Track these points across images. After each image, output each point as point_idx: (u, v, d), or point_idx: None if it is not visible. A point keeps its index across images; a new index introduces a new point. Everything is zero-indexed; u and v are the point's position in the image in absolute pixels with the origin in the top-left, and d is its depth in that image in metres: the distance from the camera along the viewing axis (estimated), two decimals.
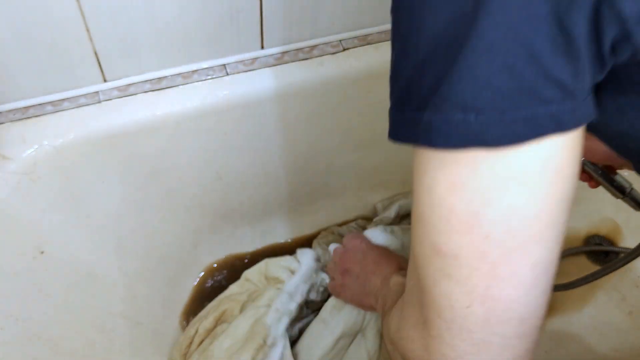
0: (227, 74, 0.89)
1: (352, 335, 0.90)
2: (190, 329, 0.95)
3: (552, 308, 1.12)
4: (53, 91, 0.84)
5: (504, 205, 0.35)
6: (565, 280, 0.77)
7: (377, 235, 0.93)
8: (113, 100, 0.85)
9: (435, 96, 0.34)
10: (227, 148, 0.94)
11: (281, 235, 1.16)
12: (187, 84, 0.88)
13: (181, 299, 1.06)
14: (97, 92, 0.85)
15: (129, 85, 0.86)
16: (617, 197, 0.72)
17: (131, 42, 0.82)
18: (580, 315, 1.11)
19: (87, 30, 0.78)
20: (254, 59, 0.91)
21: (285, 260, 1.00)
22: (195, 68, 0.89)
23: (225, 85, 0.88)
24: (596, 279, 0.73)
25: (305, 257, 0.98)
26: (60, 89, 0.84)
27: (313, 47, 0.93)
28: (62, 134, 0.82)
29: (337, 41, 0.94)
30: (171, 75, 0.88)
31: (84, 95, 0.85)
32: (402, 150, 1.06)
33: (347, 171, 1.11)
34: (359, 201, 1.18)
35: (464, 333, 0.39)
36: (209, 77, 0.89)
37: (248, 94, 0.89)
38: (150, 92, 0.86)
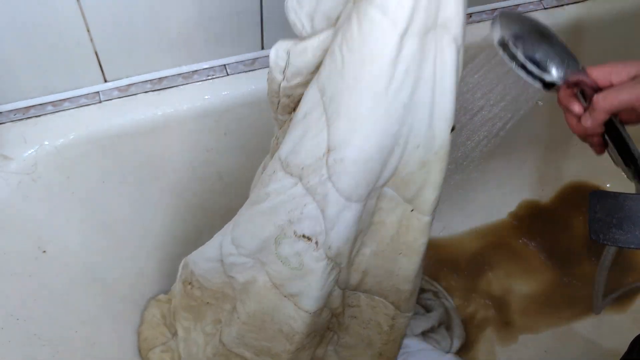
0: (228, 74, 0.90)
1: None
2: None
3: (554, 307, 1.12)
4: (54, 91, 0.84)
5: None
6: None
7: None
8: (114, 100, 0.85)
9: None
10: (227, 148, 0.95)
11: None
12: (188, 84, 0.88)
13: None
14: (97, 92, 0.85)
15: (130, 85, 0.86)
16: (620, 166, 0.58)
17: (132, 43, 0.82)
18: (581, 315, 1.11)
19: (88, 30, 0.78)
20: (254, 60, 0.91)
21: None
22: (195, 68, 0.89)
23: (226, 85, 0.89)
24: None
25: None
26: (61, 89, 0.84)
27: None
28: (62, 134, 0.82)
29: None
30: (172, 76, 0.88)
31: (85, 96, 0.85)
32: None
33: None
34: None
35: None
36: (210, 77, 0.89)
37: (248, 94, 0.89)
38: (151, 92, 0.87)
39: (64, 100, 0.84)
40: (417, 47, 0.49)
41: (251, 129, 0.94)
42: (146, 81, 0.87)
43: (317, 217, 0.59)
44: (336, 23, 0.54)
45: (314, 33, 0.57)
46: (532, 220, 1.23)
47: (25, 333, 0.78)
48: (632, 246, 0.50)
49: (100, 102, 0.85)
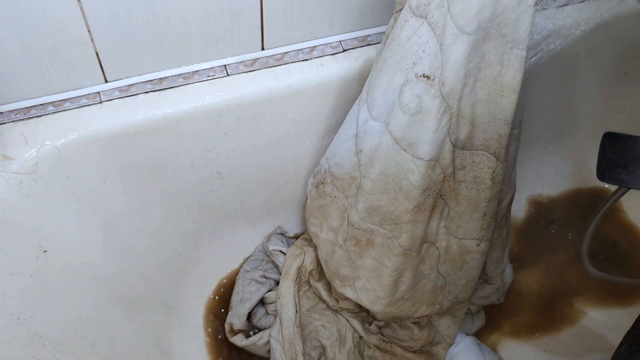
0: (228, 75, 0.90)
1: None
2: None
3: (554, 307, 1.12)
4: (54, 91, 0.84)
5: None
6: None
7: None
8: (114, 100, 0.85)
9: None
10: (227, 148, 0.95)
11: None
12: (188, 84, 0.88)
13: (182, 298, 1.06)
14: (98, 93, 0.86)
15: (130, 85, 0.87)
16: None
17: (132, 43, 0.82)
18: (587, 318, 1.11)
19: (89, 31, 0.78)
20: (255, 60, 0.92)
21: None
22: (196, 69, 0.90)
23: (226, 85, 0.89)
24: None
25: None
26: (62, 90, 0.84)
27: (313, 47, 0.94)
28: (63, 134, 0.82)
29: (336, 42, 0.95)
30: (172, 76, 0.89)
31: (85, 96, 0.85)
32: None
33: None
34: None
35: None
36: (210, 77, 0.89)
37: (248, 95, 0.90)
38: (152, 93, 0.87)
39: (65, 100, 0.84)
40: None
41: (251, 129, 0.94)
42: (147, 81, 0.87)
43: (436, 52, 0.72)
44: None
45: None
46: (531, 220, 1.24)
47: (26, 332, 0.78)
48: (635, 187, 0.50)
49: (100, 102, 0.85)
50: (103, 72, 0.85)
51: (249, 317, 1.05)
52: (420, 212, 0.83)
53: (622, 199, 1.25)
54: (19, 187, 0.80)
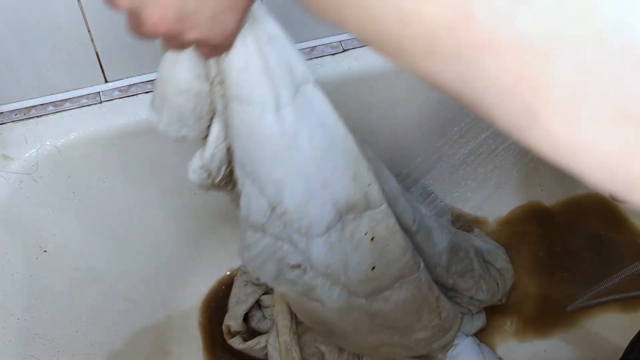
0: None
1: None
2: None
3: (555, 307, 1.12)
4: (55, 91, 0.84)
5: None
6: None
7: None
8: (114, 100, 0.85)
9: None
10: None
11: None
12: None
13: (182, 298, 1.06)
14: (98, 93, 0.86)
15: (130, 85, 0.87)
16: None
17: (132, 43, 0.82)
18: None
19: (89, 31, 0.78)
20: None
21: None
22: None
23: None
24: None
25: None
26: (62, 90, 0.84)
27: (313, 47, 0.94)
28: (63, 134, 0.82)
29: (337, 42, 0.95)
30: None
31: (86, 96, 0.85)
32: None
33: None
34: None
35: None
36: None
37: None
38: (152, 93, 0.86)
39: (65, 100, 0.84)
40: (293, 111, 0.56)
41: None
42: (147, 81, 0.87)
43: (294, 252, 0.69)
44: (210, 117, 0.60)
45: (200, 132, 0.62)
46: (532, 221, 1.24)
47: (26, 332, 0.78)
48: None
49: (100, 102, 0.85)
50: (103, 72, 0.85)
51: (247, 319, 1.05)
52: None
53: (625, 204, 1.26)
54: (19, 187, 0.80)
